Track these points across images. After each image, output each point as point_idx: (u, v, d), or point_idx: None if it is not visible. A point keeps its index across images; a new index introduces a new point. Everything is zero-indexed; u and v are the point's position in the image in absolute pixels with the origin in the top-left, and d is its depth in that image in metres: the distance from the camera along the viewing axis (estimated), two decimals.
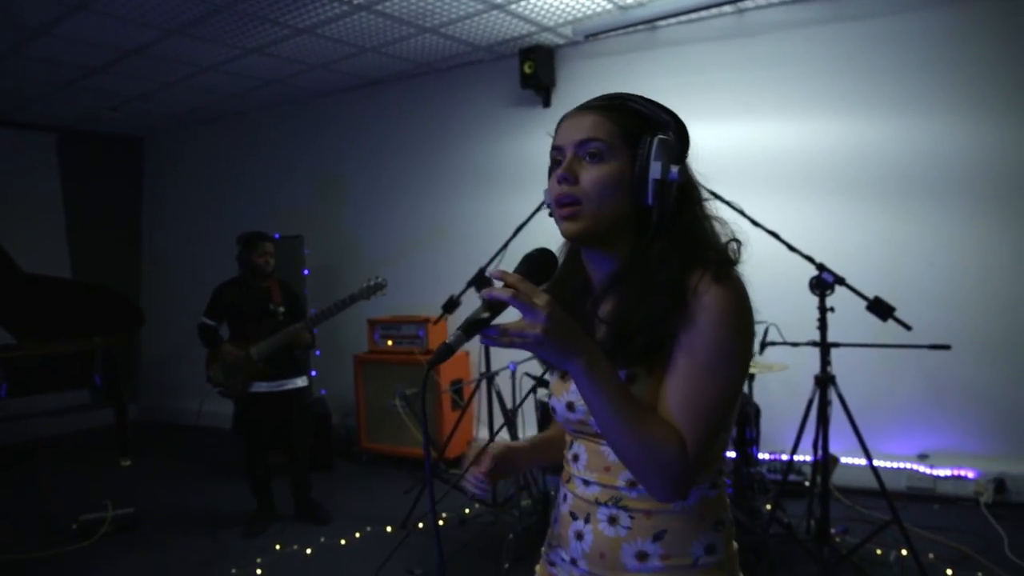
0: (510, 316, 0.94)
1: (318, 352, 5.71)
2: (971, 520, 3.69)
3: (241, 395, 3.96)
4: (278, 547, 3.72)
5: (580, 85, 5.11)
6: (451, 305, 4.01)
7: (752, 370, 3.37)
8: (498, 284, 0.95)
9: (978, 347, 3.84)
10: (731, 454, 3.74)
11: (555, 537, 1.25)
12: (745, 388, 3.54)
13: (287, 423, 4.06)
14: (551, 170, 1.14)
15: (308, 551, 3.69)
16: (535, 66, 5.03)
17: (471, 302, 3.99)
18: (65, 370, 5.10)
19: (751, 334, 1.07)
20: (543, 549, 1.30)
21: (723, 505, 1.15)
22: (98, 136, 7.23)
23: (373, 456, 5.32)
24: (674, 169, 1.08)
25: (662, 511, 1.09)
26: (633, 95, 1.14)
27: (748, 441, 3.47)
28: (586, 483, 1.16)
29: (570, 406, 1.14)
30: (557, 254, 1.13)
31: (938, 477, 4.01)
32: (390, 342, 5.32)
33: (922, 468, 4.04)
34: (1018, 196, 3.86)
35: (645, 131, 1.09)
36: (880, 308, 2.90)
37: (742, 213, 3.15)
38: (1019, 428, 3.86)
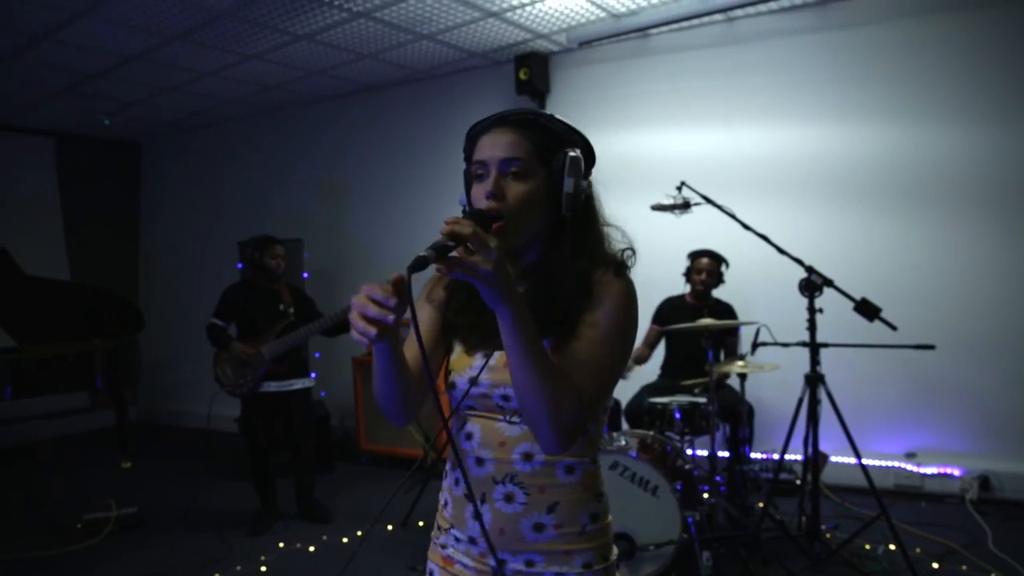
0: None
1: (317, 354, 5.78)
2: (957, 516, 3.79)
3: (250, 394, 4.03)
4: (282, 545, 3.79)
5: (575, 91, 5.21)
6: None
7: (744, 370, 3.46)
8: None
9: (962, 347, 3.95)
10: (724, 453, 3.85)
11: (446, 520, 1.33)
12: (737, 387, 3.64)
13: (292, 422, 4.14)
14: (471, 180, 1.26)
15: (311, 549, 3.76)
16: (530, 72, 5.13)
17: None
18: (67, 372, 5.15)
19: (636, 320, 1.25)
20: (433, 534, 1.37)
21: (600, 479, 1.30)
22: (96, 140, 7.29)
23: (372, 457, 5.39)
24: (583, 183, 1.23)
25: (553, 485, 1.22)
26: (545, 113, 1.27)
27: (741, 440, 3.56)
28: (480, 462, 1.25)
29: (473, 381, 1.23)
30: None
31: (925, 475, 4.12)
32: None
33: (909, 466, 4.15)
34: (999, 200, 3.98)
35: (557, 148, 1.22)
36: (867, 309, 3.00)
37: (734, 217, 3.29)
38: (1003, 427, 3.97)
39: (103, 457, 5.70)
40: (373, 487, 4.85)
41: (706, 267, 4.03)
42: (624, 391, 3.99)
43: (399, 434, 5.15)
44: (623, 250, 1.30)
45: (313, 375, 4.74)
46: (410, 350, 1.31)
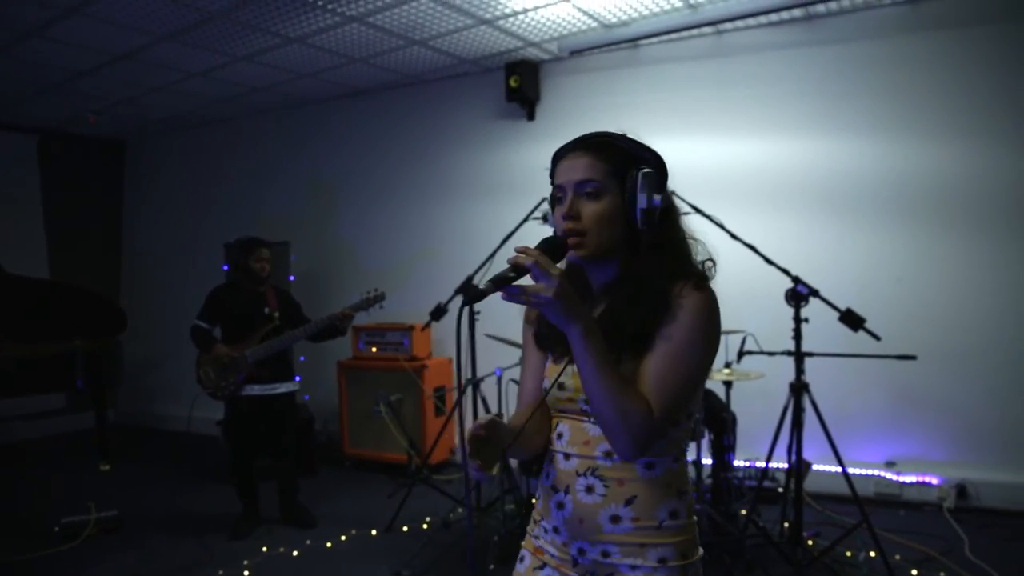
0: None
1: (302, 358, 5.75)
2: (935, 524, 3.85)
3: (231, 396, 4.00)
4: (265, 549, 3.76)
5: (564, 100, 5.25)
6: (438, 312, 4.09)
7: (729, 378, 3.50)
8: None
9: (943, 359, 4.02)
10: (707, 461, 3.88)
11: (538, 512, 1.43)
12: (723, 396, 3.68)
13: (276, 426, 4.11)
14: (554, 202, 1.36)
15: (295, 553, 3.74)
16: (520, 80, 5.16)
17: (458, 310, 4.10)
18: (46, 373, 5.08)
19: (718, 334, 1.29)
20: (528, 528, 1.46)
21: (685, 478, 1.34)
22: (81, 138, 7.21)
23: (356, 462, 5.37)
24: (656, 197, 1.28)
25: (632, 479, 1.28)
26: (617, 135, 1.36)
27: (725, 448, 3.60)
28: (567, 457, 1.34)
29: (561, 386, 1.34)
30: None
31: (904, 483, 4.18)
32: (374, 349, 5.38)
33: (889, 475, 4.21)
34: (983, 214, 4.06)
35: (630, 167, 1.30)
36: (851, 319, 3.05)
37: (722, 227, 3.32)
38: (981, 437, 4.04)
39: (82, 459, 5.61)
40: (357, 492, 4.83)
41: None
42: None
43: (383, 439, 5.15)
44: (703, 261, 1.36)
45: (297, 379, 4.72)
46: (529, 379, 1.48)
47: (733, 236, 3.26)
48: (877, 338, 3.04)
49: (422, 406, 5.10)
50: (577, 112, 5.13)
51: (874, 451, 4.28)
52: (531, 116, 5.40)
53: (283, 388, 4.12)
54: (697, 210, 3.39)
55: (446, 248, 5.61)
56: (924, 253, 4.19)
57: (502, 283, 1.12)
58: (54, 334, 5.29)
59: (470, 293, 1.11)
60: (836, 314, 3.14)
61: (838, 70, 4.39)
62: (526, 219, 3.87)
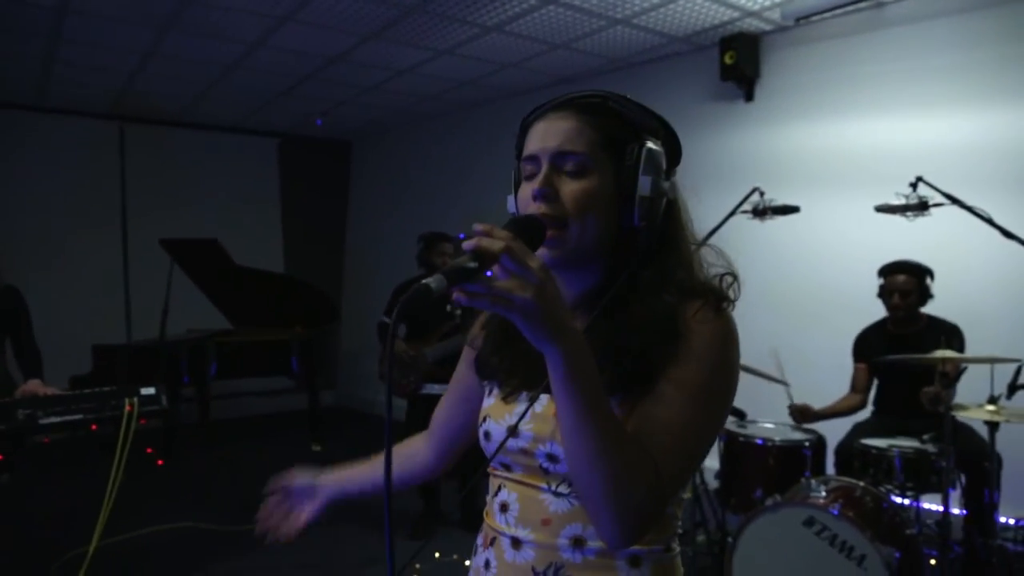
0: None
1: None
2: None
3: (412, 395, 3.96)
4: (437, 555, 3.65)
5: (788, 75, 4.57)
6: None
7: (996, 417, 2.70)
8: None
9: None
10: (956, 510, 3.07)
11: None
12: (986, 436, 2.87)
13: None
14: (518, 179, 1.01)
15: (467, 563, 3.57)
16: (737, 56, 4.57)
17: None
18: (266, 356, 5.50)
19: (737, 373, 0.95)
20: None
21: (678, 573, 0.99)
22: (314, 140, 7.81)
23: None
24: (664, 184, 0.96)
25: None
26: (616, 94, 0.99)
27: (987, 506, 2.80)
28: (516, 544, 0.96)
29: (512, 430, 0.95)
30: None
31: None
32: None
33: None
34: None
35: (630, 138, 0.96)
36: None
37: (990, 222, 2.58)
38: None
39: (299, 438, 6.02)
40: None
41: (901, 286, 3.22)
42: (835, 428, 3.35)
43: None
44: (721, 276, 0.99)
45: None
46: (444, 406, 1.18)
47: (1007, 233, 2.50)
48: None
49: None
50: (805, 89, 4.44)
51: None
52: (749, 96, 4.78)
53: None
54: (955, 200, 2.67)
55: None
56: None
57: (457, 277, 0.75)
58: (276, 321, 5.73)
59: (412, 297, 0.73)
60: None
61: None
62: (733, 212, 3.31)
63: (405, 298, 0.74)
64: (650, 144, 0.95)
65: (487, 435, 1.01)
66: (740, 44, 4.56)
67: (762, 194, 3.29)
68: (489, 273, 0.76)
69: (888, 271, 3.30)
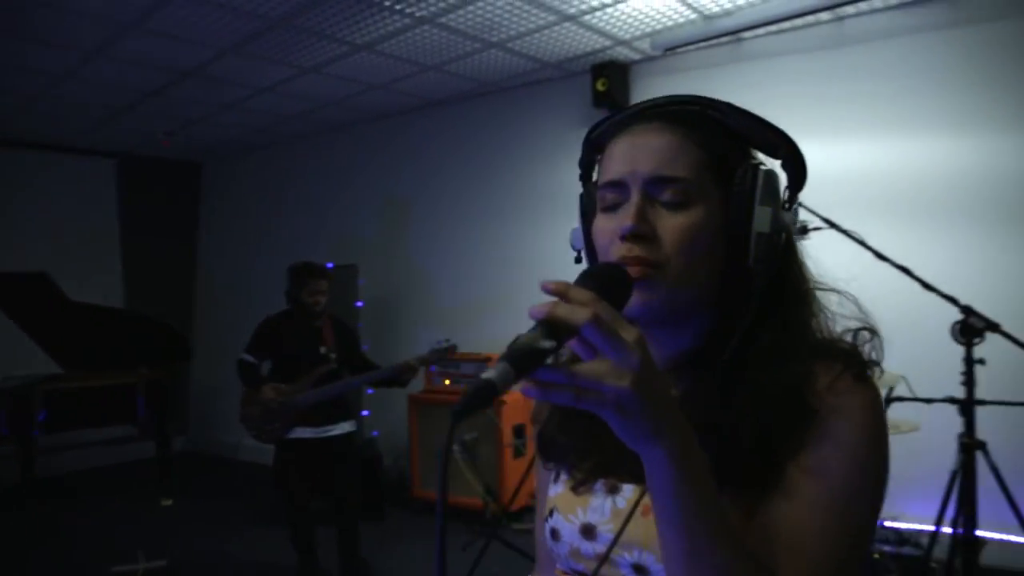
0: None
1: (370, 390, 5.37)
2: None
3: (276, 441, 3.61)
4: None
5: None
6: None
7: None
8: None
9: None
10: None
11: None
12: None
13: (332, 472, 3.69)
14: (590, 207, 0.82)
15: None
16: (609, 83, 4.65)
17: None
18: (108, 402, 4.88)
19: (888, 455, 0.73)
20: None
21: None
22: (158, 161, 7.15)
23: (426, 504, 4.90)
24: (785, 217, 0.76)
25: None
26: (720, 101, 0.80)
27: None
28: None
29: (587, 531, 0.77)
30: None
31: None
32: (447, 381, 4.93)
33: None
34: None
35: (741, 157, 0.78)
36: None
37: (864, 244, 2.69)
38: None
39: (146, 491, 5.39)
40: (427, 540, 4.36)
41: None
42: None
43: (457, 481, 4.65)
44: (856, 331, 0.79)
45: (365, 413, 4.31)
46: (541, 532, 0.88)
47: (880, 256, 2.63)
48: None
49: (500, 446, 4.59)
50: None
51: None
52: None
53: (338, 430, 3.67)
54: (832, 224, 2.78)
55: (528, 269, 5.12)
56: None
57: (529, 362, 0.55)
58: (118, 363, 5.10)
59: (474, 395, 0.53)
60: (1010, 348, 2.45)
61: (985, 54, 3.68)
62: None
63: (467, 400, 0.53)
64: (763, 165, 0.78)
65: (555, 533, 0.82)
66: (611, 72, 4.65)
67: None
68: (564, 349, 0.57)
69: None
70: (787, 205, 0.79)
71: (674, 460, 0.60)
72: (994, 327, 2.44)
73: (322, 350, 3.64)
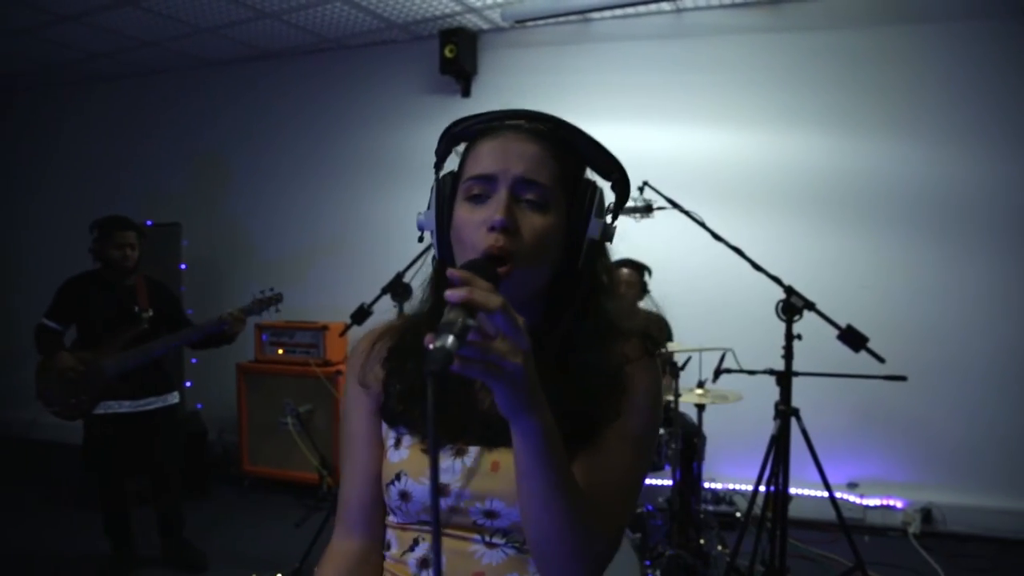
0: None
1: (193, 359, 4.98)
2: (903, 552, 3.59)
3: (83, 416, 3.23)
4: None
5: (504, 75, 4.72)
6: (361, 315, 3.44)
7: (703, 400, 3.07)
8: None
9: (907, 373, 3.73)
10: (666, 482, 3.45)
11: None
12: (695, 418, 3.24)
13: (152, 451, 3.37)
14: (445, 196, 0.93)
15: None
16: (457, 50, 4.59)
17: (384, 312, 3.47)
18: None
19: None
20: None
21: None
22: None
23: (256, 480, 4.65)
24: (613, 227, 0.95)
25: None
26: (568, 123, 0.95)
27: (696, 476, 3.17)
28: None
29: (443, 489, 0.89)
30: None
31: (867, 507, 3.91)
32: (281, 350, 4.68)
33: (852, 497, 3.93)
34: (953, 221, 3.83)
35: (581, 175, 0.96)
36: (852, 338, 2.68)
37: (703, 225, 2.89)
38: (948, 457, 3.82)
39: None
40: (257, 519, 4.16)
41: (626, 279, 3.55)
42: None
43: (290, 455, 4.46)
44: (647, 315, 1.04)
45: (187, 383, 3.97)
46: (351, 484, 1.00)
47: (716, 237, 2.83)
48: (881, 360, 2.68)
49: (335, 418, 4.45)
50: (518, 90, 4.59)
51: (835, 472, 3.95)
52: (466, 92, 4.84)
53: (159, 403, 3.34)
54: (675, 205, 2.95)
55: (365, 238, 4.97)
56: (892, 260, 3.93)
57: (463, 336, 0.67)
58: None
59: (441, 358, 0.63)
60: (820, 326, 2.75)
61: (804, 59, 4.07)
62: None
63: (431, 372, 0.62)
64: (598, 184, 0.94)
65: (405, 496, 0.91)
66: (460, 39, 4.59)
67: None
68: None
69: (614, 265, 3.53)
70: (612, 218, 0.95)
71: (543, 429, 0.75)
72: (811, 306, 2.71)
73: (135, 310, 3.27)
